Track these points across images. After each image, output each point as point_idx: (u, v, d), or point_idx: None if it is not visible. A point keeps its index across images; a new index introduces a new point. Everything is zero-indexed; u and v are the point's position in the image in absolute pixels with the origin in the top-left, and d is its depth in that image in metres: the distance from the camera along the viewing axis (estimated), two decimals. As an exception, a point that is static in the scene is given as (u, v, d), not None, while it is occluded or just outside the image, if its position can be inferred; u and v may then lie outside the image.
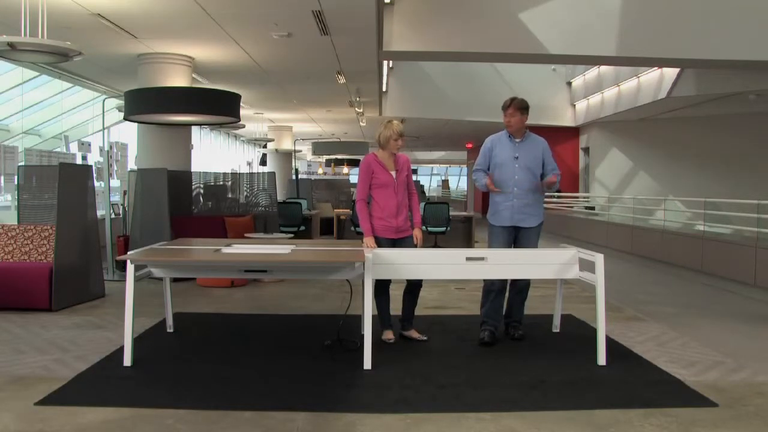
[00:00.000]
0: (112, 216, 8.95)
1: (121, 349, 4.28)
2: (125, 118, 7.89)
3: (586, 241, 13.06)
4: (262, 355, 4.53)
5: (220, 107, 7.62)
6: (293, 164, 20.39)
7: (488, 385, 3.89)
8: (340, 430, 3.21)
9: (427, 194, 27.29)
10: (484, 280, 4.93)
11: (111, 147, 8.82)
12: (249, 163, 21.61)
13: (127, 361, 4.15)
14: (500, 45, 8.48)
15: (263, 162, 18.58)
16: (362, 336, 4.23)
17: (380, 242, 4.78)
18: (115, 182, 9.65)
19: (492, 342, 4.82)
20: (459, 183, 41.73)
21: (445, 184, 41.57)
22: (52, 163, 9.13)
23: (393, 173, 4.87)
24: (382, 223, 4.83)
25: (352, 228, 10.64)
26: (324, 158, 27.54)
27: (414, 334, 4.96)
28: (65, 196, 6.13)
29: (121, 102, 8.54)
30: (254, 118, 15.80)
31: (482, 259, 4.51)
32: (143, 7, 6.48)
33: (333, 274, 4.55)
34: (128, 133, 10.72)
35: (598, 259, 4.36)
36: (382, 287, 4.87)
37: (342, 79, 10.28)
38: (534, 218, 4.94)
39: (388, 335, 4.91)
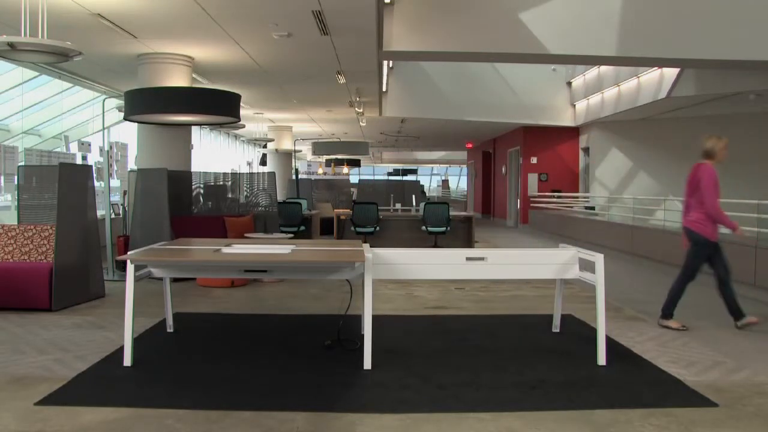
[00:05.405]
0: (112, 216, 8.95)
1: (121, 349, 4.29)
2: (125, 118, 7.89)
3: (586, 241, 13.04)
4: (262, 355, 4.53)
5: (220, 107, 7.62)
6: (293, 164, 20.38)
7: (488, 385, 3.89)
8: (340, 430, 3.21)
9: (427, 194, 27.26)
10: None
11: (111, 147, 8.82)
12: (249, 163, 21.59)
13: (127, 361, 4.15)
14: (500, 45, 8.47)
15: (263, 162, 18.57)
16: (362, 336, 4.24)
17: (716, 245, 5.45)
18: (115, 182, 9.66)
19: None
20: (459, 183, 41.67)
21: (444, 184, 41.56)
22: (52, 163, 9.13)
23: None
24: (716, 227, 5.46)
25: (352, 228, 10.65)
26: (324, 158, 27.50)
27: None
28: (65, 196, 6.13)
29: (121, 102, 8.54)
30: (254, 118, 15.79)
31: (482, 259, 4.52)
32: (143, 7, 6.48)
33: (333, 274, 4.56)
34: (128, 133, 10.72)
35: (598, 259, 4.36)
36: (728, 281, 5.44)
37: (342, 79, 10.27)
38: None
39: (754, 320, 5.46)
